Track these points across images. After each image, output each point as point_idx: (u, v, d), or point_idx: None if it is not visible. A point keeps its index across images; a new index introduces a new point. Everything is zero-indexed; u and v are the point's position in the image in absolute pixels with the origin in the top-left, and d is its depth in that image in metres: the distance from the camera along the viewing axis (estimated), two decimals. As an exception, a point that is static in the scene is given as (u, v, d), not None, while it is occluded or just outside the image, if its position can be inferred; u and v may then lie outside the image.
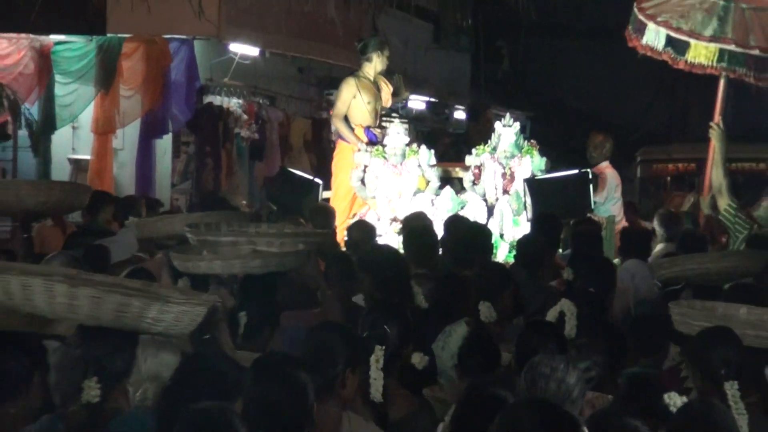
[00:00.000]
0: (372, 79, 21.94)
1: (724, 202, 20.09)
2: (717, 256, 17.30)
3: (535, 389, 9.25)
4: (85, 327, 8.78)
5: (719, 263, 15.89)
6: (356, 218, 19.92)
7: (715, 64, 21.66)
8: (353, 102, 21.66)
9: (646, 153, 34.91)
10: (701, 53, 21.62)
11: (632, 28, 22.42)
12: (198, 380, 8.11)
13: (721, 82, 22.54)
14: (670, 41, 21.70)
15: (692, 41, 21.51)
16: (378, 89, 21.95)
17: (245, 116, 30.46)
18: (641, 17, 21.95)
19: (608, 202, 22.22)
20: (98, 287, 8.84)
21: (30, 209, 14.91)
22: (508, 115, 21.54)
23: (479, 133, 22.91)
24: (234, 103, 29.85)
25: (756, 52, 21.38)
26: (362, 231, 17.18)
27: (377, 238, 18.13)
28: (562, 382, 9.11)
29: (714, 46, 21.48)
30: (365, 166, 20.73)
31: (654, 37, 21.86)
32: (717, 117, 22.05)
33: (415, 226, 16.95)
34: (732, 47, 21.45)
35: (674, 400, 9.24)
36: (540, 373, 9.30)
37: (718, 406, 9.03)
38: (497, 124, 21.40)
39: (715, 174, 20.76)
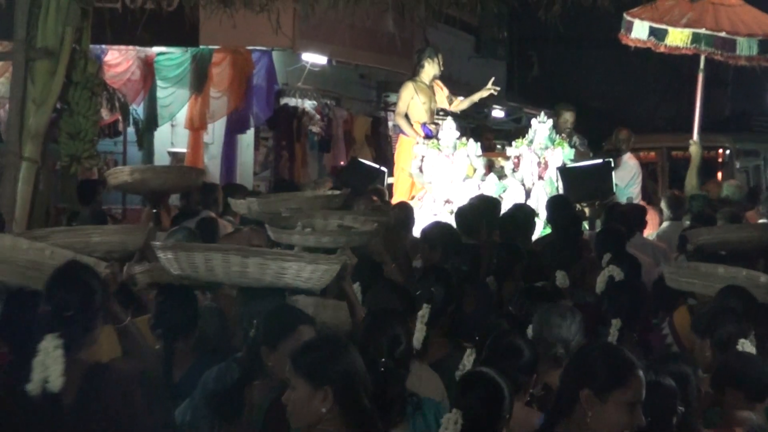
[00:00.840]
0: (427, 83, 22.24)
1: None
2: (737, 227, 17.49)
3: (548, 330, 9.82)
4: (246, 289, 9.52)
5: (739, 233, 16.19)
6: (414, 200, 20.24)
7: (689, 45, 23.17)
8: (411, 102, 21.94)
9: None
10: (677, 37, 23.24)
11: (623, 29, 23.96)
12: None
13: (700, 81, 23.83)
14: (652, 31, 23.16)
15: (670, 28, 23.04)
16: (432, 91, 22.28)
17: (315, 115, 30.81)
18: (629, 18, 23.51)
19: (628, 187, 22.31)
20: (264, 256, 9.51)
21: (156, 189, 15.55)
22: (543, 113, 21.93)
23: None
24: (306, 104, 30.15)
25: (723, 33, 22.90)
26: (404, 210, 17.56)
27: (433, 217, 18.27)
28: (569, 326, 9.70)
29: (688, 31, 23.01)
30: (422, 157, 21.06)
31: (639, 29, 23.45)
32: (696, 129, 22.57)
33: (463, 206, 17.29)
34: (703, 30, 22.91)
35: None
36: (551, 316, 9.90)
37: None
38: (533, 121, 21.81)
39: (689, 178, 21.34)
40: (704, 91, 24.57)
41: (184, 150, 26.39)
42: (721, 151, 29.15)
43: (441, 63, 22.48)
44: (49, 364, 7.08)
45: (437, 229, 15.38)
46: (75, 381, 7.24)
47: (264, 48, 25.83)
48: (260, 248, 11.17)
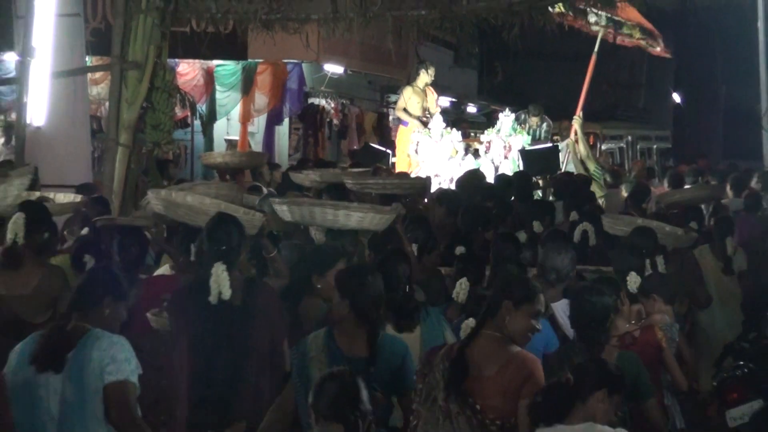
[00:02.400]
0: (421, 87, 22.47)
1: (592, 166, 20.81)
2: (693, 189, 17.86)
3: (547, 260, 9.90)
4: (331, 230, 10.32)
5: (695, 193, 16.60)
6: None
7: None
8: (409, 101, 22.14)
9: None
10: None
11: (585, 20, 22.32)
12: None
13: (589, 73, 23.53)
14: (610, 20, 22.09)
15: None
16: (425, 94, 22.48)
17: (334, 111, 30.92)
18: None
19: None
20: (348, 208, 10.55)
21: (234, 166, 15.90)
22: (507, 109, 22.17)
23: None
24: (327, 102, 30.26)
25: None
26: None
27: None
28: (563, 259, 9.72)
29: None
30: (417, 142, 21.22)
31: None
32: (580, 107, 22.75)
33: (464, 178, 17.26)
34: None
35: None
36: (550, 251, 9.97)
37: None
38: (500, 115, 22.03)
39: (582, 147, 21.39)
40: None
41: (236, 138, 26.40)
42: (592, 136, 29.26)
43: (432, 74, 22.72)
44: (220, 282, 7.98)
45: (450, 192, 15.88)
46: (238, 290, 8.13)
47: (296, 60, 25.78)
48: (344, 202, 11.63)
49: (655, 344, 8.91)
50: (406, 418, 7.16)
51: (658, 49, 23.19)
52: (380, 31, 20.61)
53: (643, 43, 23.28)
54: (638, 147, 33.83)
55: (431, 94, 22.84)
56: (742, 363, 8.56)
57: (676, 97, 44.22)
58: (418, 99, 22.44)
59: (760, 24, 11.63)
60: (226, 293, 8.01)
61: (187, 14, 17.90)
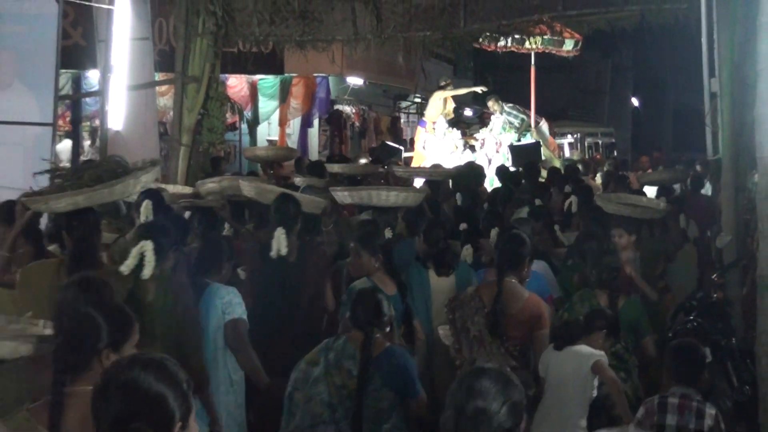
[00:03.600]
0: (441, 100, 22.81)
1: (557, 162, 21.20)
2: (664, 171, 17.65)
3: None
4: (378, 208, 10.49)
5: (664, 175, 16.37)
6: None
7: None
8: (429, 108, 22.90)
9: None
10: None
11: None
12: None
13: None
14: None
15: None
16: (445, 103, 22.79)
17: (355, 115, 30.90)
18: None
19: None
20: (402, 191, 10.91)
21: (271, 158, 15.91)
22: (499, 112, 22.12)
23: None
24: (349, 108, 30.26)
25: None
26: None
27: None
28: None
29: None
30: (425, 140, 21.28)
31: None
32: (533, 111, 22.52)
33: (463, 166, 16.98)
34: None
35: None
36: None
37: None
38: (492, 117, 22.00)
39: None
40: (539, 90, 23.77)
41: (276, 138, 26.35)
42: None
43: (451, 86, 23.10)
44: (280, 242, 8.32)
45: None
46: (293, 249, 8.47)
47: (324, 74, 25.79)
48: (391, 186, 12.71)
49: None
50: (411, 420, 6.53)
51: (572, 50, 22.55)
52: (393, 50, 20.58)
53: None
54: (586, 142, 33.94)
55: (450, 102, 22.97)
56: (691, 318, 8.50)
57: (635, 101, 44.10)
58: (440, 107, 22.88)
59: (704, 39, 11.55)
60: (283, 251, 8.31)
61: (235, 37, 17.91)
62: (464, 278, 8.53)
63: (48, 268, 7.02)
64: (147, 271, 6.59)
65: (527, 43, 20.42)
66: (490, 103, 22.70)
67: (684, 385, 6.53)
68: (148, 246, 6.61)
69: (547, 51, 21.32)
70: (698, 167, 17.28)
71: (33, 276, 6.89)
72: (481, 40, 19.53)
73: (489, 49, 22.04)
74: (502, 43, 20.13)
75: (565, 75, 35.64)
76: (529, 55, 23.26)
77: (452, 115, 23.36)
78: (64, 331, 4.49)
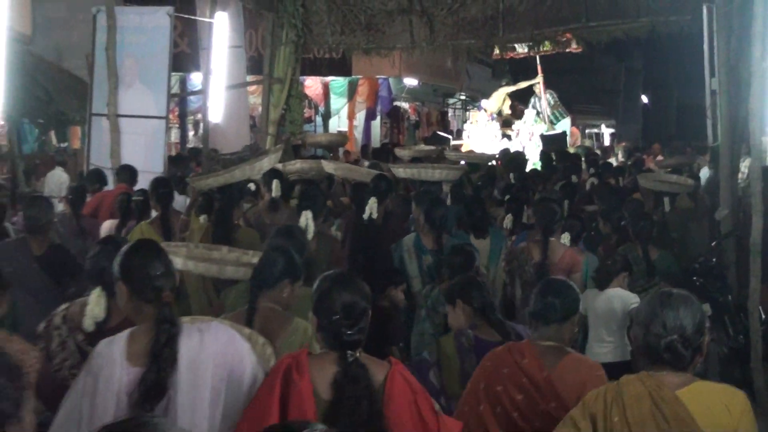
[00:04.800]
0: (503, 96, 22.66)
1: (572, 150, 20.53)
2: (679, 157, 17.66)
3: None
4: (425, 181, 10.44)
5: (680, 160, 16.72)
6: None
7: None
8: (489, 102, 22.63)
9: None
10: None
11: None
12: None
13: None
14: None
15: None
16: (503, 101, 22.60)
17: (411, 110, 30.93)
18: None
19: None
20: (445, 168, 11.13)
21: (325, 144, 16.04)
22: (531, 106, 22.05)
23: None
24: (406, 104, 30.24)
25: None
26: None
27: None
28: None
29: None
30: (469, 131, 21.30)
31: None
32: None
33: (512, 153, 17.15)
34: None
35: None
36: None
37: None
38: (525, 111, 21.88)
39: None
40: (563, 90, 23.58)
41: (345, 129, 26.35)
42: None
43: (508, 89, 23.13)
44: (371, 207, 8.33)
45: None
46: (380, 215, 8.50)
47: (385, 76, 25.73)
48: (437, 164, 12.56)
49: None
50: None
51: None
52: (442, 55, 20.80)
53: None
54: (587, 131, 33.73)
55: (507, 99, 22.89)
56: (695, 278, 8.51)
57: (644, 98, 43.70)
58: (500, 101, 22.77)
59: (705, 46, 11.56)
60: (374, 215, 8.39)
61: (312, 45, 17.94)
62: (497, 240, 8.54)
63: (204, 227, 7.96)
64: (309, 233, 7.07)
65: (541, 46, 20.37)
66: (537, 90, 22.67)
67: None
68: (308, 214, 7.21)
69: (555, 52, 21.17)
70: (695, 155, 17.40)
71: (195, 232, 7.93)
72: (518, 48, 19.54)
73: (506, 57, 22.13)
74: (521, 49, 20.08)
75: (585, 76, 35.32)
76: (555, 59, 23.15)
77: (508, 110, 23.16)
78: (261, 263, 4.96)
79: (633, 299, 7.42)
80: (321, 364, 3.69)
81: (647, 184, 11.24)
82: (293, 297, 4.91)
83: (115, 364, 3.55)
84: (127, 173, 10.55)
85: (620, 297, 7.45)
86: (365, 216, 8.35)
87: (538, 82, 22.30)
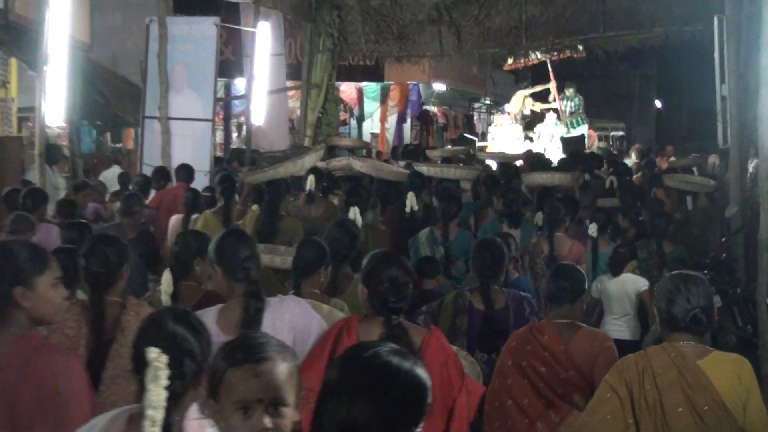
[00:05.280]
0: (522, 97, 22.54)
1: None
2: (690, 158, 17.65)
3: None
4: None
5: (690, 161, 16.82)
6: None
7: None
8: (512, 104, 22.61)
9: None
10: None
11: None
12: None
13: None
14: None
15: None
16: (524, 102, 22.45)
17: (439, 114, 30.92)
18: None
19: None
20: (463, 168, 11.64)
21: (349, 147, 15.95)
22: (551, 111, 21.85)
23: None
24: (434, 108, 30.21)
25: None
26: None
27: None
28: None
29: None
30: (493, 133, 21.25)
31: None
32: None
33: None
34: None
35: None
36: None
37: None
38: (546, 115, 21.68)
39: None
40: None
41: (377, 131, 26.34)
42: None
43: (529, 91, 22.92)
44: (411, 200, 8.50)
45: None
46: (420, 206, 8.70)
47: (415, 82, 25.66)
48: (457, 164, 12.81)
49: None
50: None
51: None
52: (469, 62, 20.72)
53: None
54: (596, 134, 33.54)
55: (528, 100, 22.67)
56: (705, 272, 8.47)
57: (658, 103, 43.48)
58: (520, 103, 22.54)
59: (716, 54, 11.51)
60: (415, 207, 8.58)
61: (347, 53, 18.05)
62: (527, 232, 8.56)
63: (254, 217, 8.19)
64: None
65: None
66: (570, 91, 22.29)
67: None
68: (356, 210, 7.30)
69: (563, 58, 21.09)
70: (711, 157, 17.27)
71: (248, 221, 8.15)
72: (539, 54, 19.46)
73: (521, 66, 21.99)
74: (533, 56, 19.98)
75: (602, 82, 35.05)
76: (573, 65, 23.09)
77: (528, 110, 22.99)
78: (297, 257, 5.27)
79: (642, 283, 7.75)
80: (368, 327, 4.07)
81: (673, 184, 11.35)
82: (328, 278, 5.27)
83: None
84: (185, 172, 10.77)
85: (632, 281, 7.79)
86: (407, 209, 8.50)
87: (551, 87, 22.16)
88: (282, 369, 2.65)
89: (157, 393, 2.70)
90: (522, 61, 20.46)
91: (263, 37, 15.48)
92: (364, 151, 18.78)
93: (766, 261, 7.46)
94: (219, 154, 17.44)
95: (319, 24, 17.03)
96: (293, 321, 4.22)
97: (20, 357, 3.26)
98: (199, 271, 5.14)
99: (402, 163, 13.87)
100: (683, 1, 15.04)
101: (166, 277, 4.82)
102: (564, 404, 4.64)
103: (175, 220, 8.79)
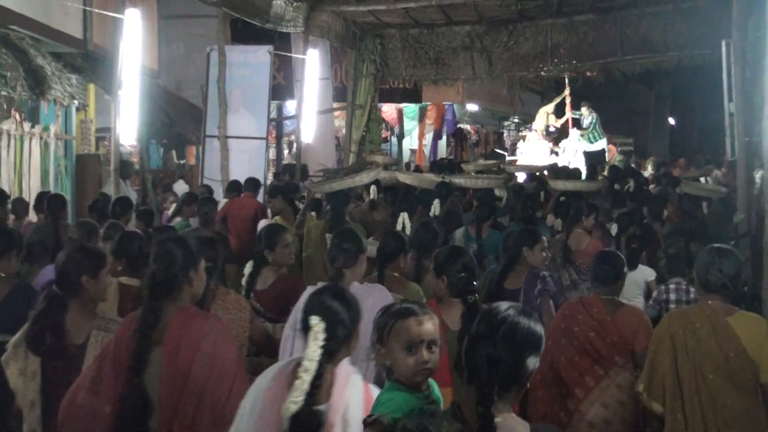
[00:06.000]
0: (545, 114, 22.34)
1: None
2: (700, 170, 17.55)
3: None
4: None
5: (700, 171, 16.82)
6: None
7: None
8: (537, 120, 22.47)
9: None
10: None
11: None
12: None
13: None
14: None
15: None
16: (547, 117, 22.23)
17: (472, 131, 30.84)
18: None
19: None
20: (487, 179, 11.61)
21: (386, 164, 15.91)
22: (575, 128, 21.67)
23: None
24: (468, 126, 30.13)
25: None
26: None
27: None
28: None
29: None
30: (521, 148, 21.12)
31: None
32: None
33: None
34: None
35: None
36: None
37: None
38: (570, 131, 21.50)
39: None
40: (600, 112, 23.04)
41: (416, 147, 26.31)
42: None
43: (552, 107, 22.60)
44: (435, 207, 8.98)
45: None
46: (443, 212, 9.06)
47: (450, 102, 25.67)
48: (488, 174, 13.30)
49: None
50: None
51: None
52: (499, 85, 20.62)
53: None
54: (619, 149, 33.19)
55: (551, 117, 22.37)
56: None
57: (671, 120, 43.08)
58: (544, 119, 22.26)
59: (724, 75, 11.48)
60: (437, 212, 9.02)
61: (388, 77, 18.14)
62: (542, 229, 8.43)
63: (321, 224, 8.67)
64: (407, 230, 7.70)
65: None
66: (584, 109, 22.20)
67: (678, 276, 7.42)
68: (405, 215, 7.96)
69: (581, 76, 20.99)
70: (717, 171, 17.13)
71: (314, 229, 8.64)
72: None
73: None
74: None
75: (620, 101, 34.69)
76: (592, 86, 22.95)
77: (552, 127, 22.79)
78: (382, 244, 5.79)
79: (650, 273, 7.99)
80: (449, 307, 4.71)
81: (690, 190, 11.42)
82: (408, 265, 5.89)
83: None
84: (252, 184, 11.04)
85: (642, 271, 7.98)
86: (431, 213, 8.87)
87: (566, 96, 21.97)
88: (434, 321, 3.39)
89: (314, 349, 3.29)
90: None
91: (312, 63, 15.57)
92: (404, 165, 18.82)
93: (771, 263, 7.40)
94: (272, 169, 17.53)
95: (362, 51, 17.11)
96: (376, 305, 4.37)
97: (182, 323, 3.84)
98: (272, 259, 5.90)
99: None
100: (694, 28, 14.95)
101: (249, 264, 5.87)
102: (607, 363, 5.21)
103: (261, 223, 9.18)
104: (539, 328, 2.86)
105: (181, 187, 13.90)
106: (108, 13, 12.01)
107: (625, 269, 5.54)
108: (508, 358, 2.74)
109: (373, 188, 9.74)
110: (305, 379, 3.25)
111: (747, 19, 9.58)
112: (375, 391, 3.42)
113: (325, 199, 9.40)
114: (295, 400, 3.23)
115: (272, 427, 3.29)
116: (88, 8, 12.64)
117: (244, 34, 16.34)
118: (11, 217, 9.33)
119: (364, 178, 9.99)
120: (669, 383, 4.65)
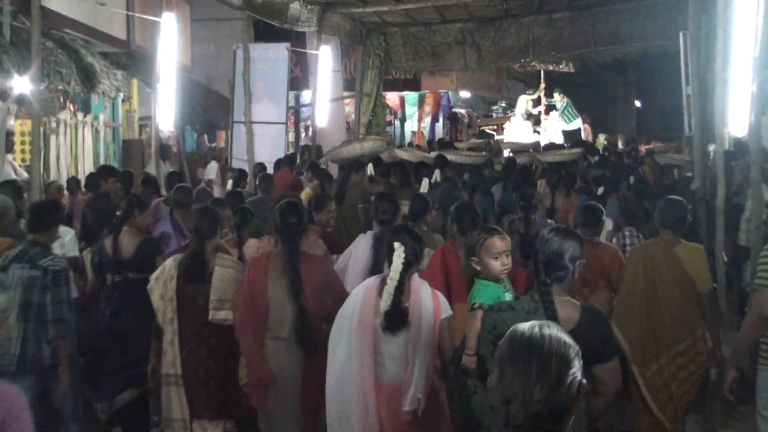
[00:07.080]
0: (525, 101, 22.23)
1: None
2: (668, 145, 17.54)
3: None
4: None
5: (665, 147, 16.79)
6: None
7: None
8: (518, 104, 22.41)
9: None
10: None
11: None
12: None
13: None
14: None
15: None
16: (527, 103, 22.14)
17: (465, 115, 30.66)
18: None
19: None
20: (472, 155, 11.68)
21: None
22: (555, 110, 21.63)
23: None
24: (461, 110, 29.97)
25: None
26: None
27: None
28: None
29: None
30: (506, 127, 21.00)
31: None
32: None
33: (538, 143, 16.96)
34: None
35: None
36: None
37: None
38: (551, 113, 21.49)
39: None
40: (575, 99, 22.99)
41: (416, 129, 26.07)
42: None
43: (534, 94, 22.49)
44: (436, 175, 9.04)
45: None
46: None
47: (445, 90, 25.48)
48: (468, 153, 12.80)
49: None
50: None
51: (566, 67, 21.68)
52: (488, 74, 20.54)
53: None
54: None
55: (530, 103, 22.37)
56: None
57: (638, 104, 42.88)
58: (524, 105, 22.25)
59: (682, 63, 11.50)
60: (438, 179, 8.96)
61: (391, 69, 18.04)
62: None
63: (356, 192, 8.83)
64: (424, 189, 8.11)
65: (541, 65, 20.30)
66: (556, 94, 22.14)
67: (631, 225, 7.21)
68: (425, 180, 8.36)
69: (553, 69, 20.89)
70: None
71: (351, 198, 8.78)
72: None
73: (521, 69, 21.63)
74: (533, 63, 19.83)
75: (592, 88, 34.49)
76: (568, 75, 22.92)
77: (531, 111, 22.74)
78: (413, 205, 6.13)
79: (610, 223, 7.55)
80: (462, 247, 4.96)
81: (663, 160, 11.70)
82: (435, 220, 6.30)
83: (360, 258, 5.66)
84: (289, 160, 11.53)
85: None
86: (432, 180, 8.85)
87: (541, 90, 22.04)
88: (507, 239, 4.13)
89: (397, 265, 4.01)
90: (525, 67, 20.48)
91: (324, 58, 15.53)
92: (406, 144, 18.72)
93: (722, 222, 7.45)
94: (291, 149, 17.54)
95: (368, 47, 17.03)
96: None
97: (306, 255, 4.79)
98: (317, 219, 6.21)
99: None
100: (656, 22, 14.87)
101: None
102: (591, 285, 5.68)
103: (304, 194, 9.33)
104: (576, 236, 3.46)
105: (213, 167, 13.92)
106: (147, 17, 12.05)
107: (604, 217, 6.02)
108: (556, 259, 3.37)
109: (370, 165, 9.92)
110: (392, 285, 3.98)
111: (701, 14, 9.56)
112: (441, 296, 4.17)
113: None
114: (387, 299, 3.98)
115: (368, 325, 4.02)
116: (130, 13, 12.68)
117: (265, 33, 16.35)
118: (66, 193, 9.37)
119: (365, 147, 10.66)
120: (635, 293, 5.35)
